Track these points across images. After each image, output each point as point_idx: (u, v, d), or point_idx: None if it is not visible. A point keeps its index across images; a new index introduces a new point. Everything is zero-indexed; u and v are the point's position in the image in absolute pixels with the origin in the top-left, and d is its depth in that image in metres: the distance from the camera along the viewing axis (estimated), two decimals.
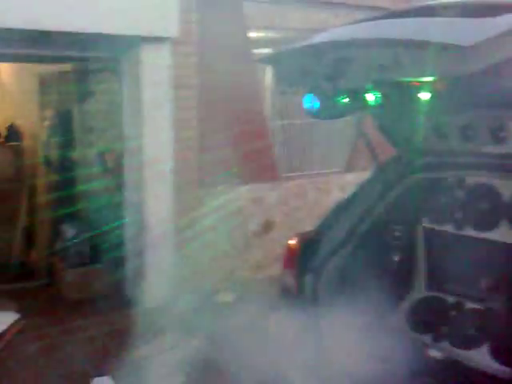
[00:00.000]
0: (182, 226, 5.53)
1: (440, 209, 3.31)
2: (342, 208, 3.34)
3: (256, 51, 6.25)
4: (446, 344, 3.08)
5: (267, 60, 3.10)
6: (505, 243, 3.01)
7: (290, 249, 3.31)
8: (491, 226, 3.07)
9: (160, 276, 5.44)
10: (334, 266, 3.13)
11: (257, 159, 5.95)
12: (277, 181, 6.31)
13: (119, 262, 5.54)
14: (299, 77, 2.72)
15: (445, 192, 3.28)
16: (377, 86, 2.44)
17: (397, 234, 3.36)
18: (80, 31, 5.07)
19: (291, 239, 3.35)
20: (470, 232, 3.18)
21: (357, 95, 2.55)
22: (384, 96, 2.47)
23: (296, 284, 3.15)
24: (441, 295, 3.35)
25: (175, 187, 5.67)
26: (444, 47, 1.98)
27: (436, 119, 3.00)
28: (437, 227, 3.37)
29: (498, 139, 2.81)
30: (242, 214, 6.02)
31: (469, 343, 3.03)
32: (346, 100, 2.61)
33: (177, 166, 5.69)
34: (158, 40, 5.62)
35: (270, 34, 6.57)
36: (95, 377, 3.55)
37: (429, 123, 3.05)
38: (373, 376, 2.77)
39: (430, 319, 3.27)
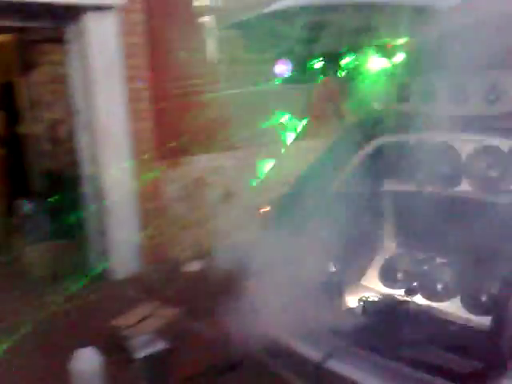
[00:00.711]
0: (143, 198, 5.58)
1: (404, 170, 3.53)
2: (311, 173, 3.50)
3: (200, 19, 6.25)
4: (418, 297, 3.34)
5: (236, 26, 3.02)
6: (467, 198, 3.28)
7: (264, 215, 3.47)
8: (453, 183, 3.32)
9: (125, 248, 5.49)
10: (308, 231, 3.31)
11: (212, 129, 6.01)
12: (235, 150, 6.39)
13: (82, 237, 5.55)
14: (271, 42, 2.78)
15: (407, 153, 3.50)
16: (352, 49, 2.54)
17: (365, 196, 3.56)
18: (21, 0, 4.94)
19: (263, 206, 3.49)
20: (434, 190, 3.42)
21: (331, 59, 2.64)
22: (357, 59, 2.58)
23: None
24: (411, 252, 3.58)
25: (132, 159, 5.68)
26: (420, 10, 2.11)
27: (400, 81, 3.16)
28: (402, 188, 3.58)
29: (459, 100, 3.00)
30: (202, 183, 6.10)
31: (441, 296, 3.28)
32: (320, 64, 2.69)
33: (133, 137, 5.69)
34: (103, 8, 5.52)
35: (213, 3, 6.54)
36: (78, 348, 3.61)
37: (393, 86, 3.21)
38: None
39: (401, 275, 3.54)
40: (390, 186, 3.60)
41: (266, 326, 3.02)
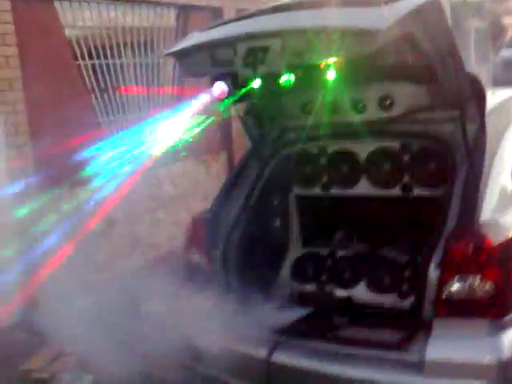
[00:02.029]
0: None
1: (308, 176, 3.93)
2: (231, 185, 3.76)
3: None
4: (330, 287, 3.72)
5: (177, 54, 3.23)
6: (364, 196, 3.76)
7: (194, 228, 3.64)
8: (352, 183, 3.79)
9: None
10: (234, 239, 3.54)
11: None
12: None
13: None
14: (210, 67, 2.99)
15: (311, 161, 3.90)
16: (291, 69, 2.83)
17: (275, 202, 3.89)
18: None
19: (191, 220, 3.70)
20: (335, 191, 3.86)
21: (271, 79, 2.93)
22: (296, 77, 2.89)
23: (207, 259, 3.49)
24: (315, 250, 3.95)
25: None
26: (359, 31, 2.45)
27: (305, 96, 3.54)
28: (306, 192, 3.99)
29: (358, 110, 3.44)
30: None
31: (348, 283, 3.70)
32: (258, 84, 2.97)
33: None
34: None
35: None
36: None
37: (297, 101, 3.59)
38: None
39: (310, 271, 3.88)
40: (297, 191, 3.98)
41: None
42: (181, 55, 3.17)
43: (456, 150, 3.18)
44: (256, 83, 2.94)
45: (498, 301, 2.68)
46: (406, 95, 3.31)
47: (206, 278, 3.41)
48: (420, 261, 3.13)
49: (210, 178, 7.68)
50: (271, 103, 3.63)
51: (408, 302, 3.29)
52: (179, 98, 6.85)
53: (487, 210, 2.88)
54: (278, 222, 3.89)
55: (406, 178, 3.62)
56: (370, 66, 2.88)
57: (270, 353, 3.03)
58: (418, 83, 3.17)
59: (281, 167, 3.83)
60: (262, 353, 3.05)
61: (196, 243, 3.57)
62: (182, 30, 7.25)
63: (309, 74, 2.82)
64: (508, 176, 3.17)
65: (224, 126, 7.84)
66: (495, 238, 2.73)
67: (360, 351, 2.91)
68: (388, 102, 3.37)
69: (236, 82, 2.97)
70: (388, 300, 3.48)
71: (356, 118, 3.45)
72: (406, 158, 3.60)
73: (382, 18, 2.42)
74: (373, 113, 3.43)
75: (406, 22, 2.50)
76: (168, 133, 3.24)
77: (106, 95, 6.44)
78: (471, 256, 2.72)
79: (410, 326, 2.91)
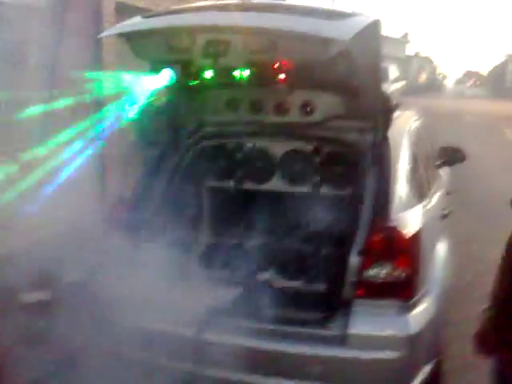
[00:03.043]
0: None
1: (223, 169, 4.15)
2: (149, 174, 3.86)
3: None
4: (240, 273, 3.96)
5: (129, 35, 3.21)
6: (276, 191, 4.08)
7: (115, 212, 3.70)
8: (266, 179, 4.09)
9: None
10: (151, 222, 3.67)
11: None
12: None
13: None
14: (164, 53, 3.06)
15: (227, 155, 4.13)
16: (249, 65, 3.06)
17: (188, 193, 4.04)
18: None
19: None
20: (248, 186, 4.13)
21: (225, 72, 3.10)
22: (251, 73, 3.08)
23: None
24: (223, 239, 4.18)
25: None
26: (324, 40, 2.71)
27: (233, 93, 3.74)
28: (218, 185, 4.20)
29: (279, 112, 3.74)
30: None
31: (259, 270, 3.94)
32: (210, 75, 3.12)
33: None
34: None
35: None
36: None
37: (224, 96, 3.78)
38: None
39: (219, 261, 4.08)
40: (209, 183, 4.18)
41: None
42: (133, 37, 3.21)
43: (364, 155, 3.65)
44: (208, 74, 3.12)
45: (407, 284, 3.17)
46: (326, 103, 3.72)
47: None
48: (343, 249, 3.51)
49: None
50: (197, 96, 3.81)
51: (323, 286, 3.68)
52: None
53: (397, 207, 3.38)
54: (189, 212, 4.04)
55: (316, 178, 4.03)
56: (307, 72, 3.24)
57: (200, 332, 3.21)
58: (339, 94, 3.60)
59: (197, 160, 4.02)
60: (192, 332, 3.22)
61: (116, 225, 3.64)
62: None
63: (259, 72, 3.07)
64: (408, 178, 3.70)
65: None
66: (405, 231, 3.22)
67: (288, 328, 3.23)
68: (309, 108, 3.76)
69: (186, 72, 3.12)
70: (297, 285, 3.85)
71: (277, 119, 3.78)
72: (317, 159, 4.02)
73: (345, 30, 2.77)
74: (294, 116, 3.79)
75: (358, 37, 2.87)
76: None
77: None
78: (386, 246, 3.18)
79: (329, 307, 3.29)
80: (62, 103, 5.87)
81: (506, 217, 3.19)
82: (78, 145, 4.91)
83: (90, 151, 4.82)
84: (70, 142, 5.07)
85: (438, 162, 5.28)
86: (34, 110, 6.06)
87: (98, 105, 5.44)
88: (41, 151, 5.55)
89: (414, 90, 38.01)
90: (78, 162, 4.86)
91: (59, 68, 6.59)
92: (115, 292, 3.38)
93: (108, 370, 3.30)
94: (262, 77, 3.21)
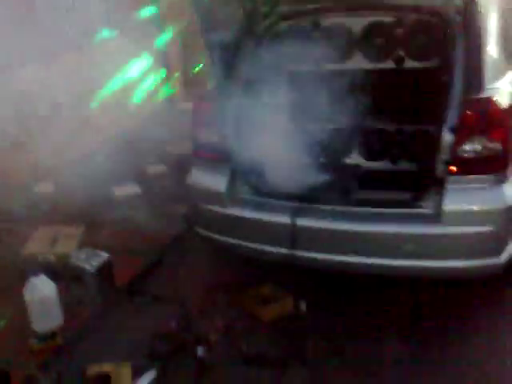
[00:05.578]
0: None
1: (302, 50, 3.99)
2: (227, 66, 3.74)
3: None
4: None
5: None
6: (358, 68, 3.91)
7: (200, 111, 3.71)
8: (346, 57, 3.94)
9: None
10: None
11: None
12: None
13: None
14: None
15: (304, 35, 3.95)
16: None
17: (270, 78, 3.95)
18: None
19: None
20: (330, 66, 3.99)
21: None
22: None
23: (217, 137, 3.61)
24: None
25: None
26: None
27: None
28: (299, 68, 4.06)
29: None
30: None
31: (342, 153, 4.01)
32: None
33: None
34: None
35: None
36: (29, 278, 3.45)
37: None
38: None
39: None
40: (290, 67, 4.05)
41: None
42: None
43: (452, 22, 3.41)
44: None
45: (503, 157, 3.08)
46: None
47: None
48: (434, 126, 3.41)
49: None
50: None
51: (416, 166, 3.65)
52: None
53: (489, 76, 3.21)
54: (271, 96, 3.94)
55: (400, 52, 3.84)
56: None
57: (294, 218, 3.32)
58: None
59: (275, 42, 3.84)
60: (286, 219, 3.33)
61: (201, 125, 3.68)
62: None
63: None
64: (499, 43, 3.47)
65: None
66: (500, 102, 3.08)
67: (379, 210, 3.28)
68: None
69: None
70: (382, 166, 3.85)
71: None
72: (400, 31, 3.80)
73: None
74: None
75: None
76: None
77: None
78: (481, 120, 3.06)
79: (421, 185, 3.28)
80: None
81: None
82: None
83: None
84: None
85: None
86: None
87: None
88: None
89: None
90: None
91: None
92: None
93: None
94: None
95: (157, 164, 6.30)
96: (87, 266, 3.66)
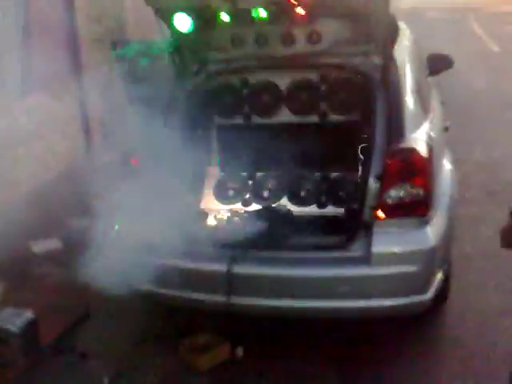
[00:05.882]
0: None
1: (229, 105, 4.14)
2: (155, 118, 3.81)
3: None
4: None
5: None
6: (283, 123, 4.12)
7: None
8: (273, 112, 4.11)
9: None
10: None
11: None
12: None
13: None
14: None
15: (232, 91, 4.11)
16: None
17: (199, 131, 4.07)
18: None
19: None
20: (256, 120, 4.15)
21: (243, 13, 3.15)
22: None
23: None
24: (234, 172, 4.25)
25: None
26: None
27: (238, 30, 3.69)
28: (226, 122, 4.21)
29: (286, 43, 3.71)
30: None
31: (270, 198, 4.12)
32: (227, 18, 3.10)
33: None
34: None
35: None
36: None
37: (228, 34, 3.73)
38: None
39: (233, 189, 4.21)
40: (218, 121, 4.19)
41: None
42: None
43: (371, 79, 3.67)
44: (225, 16, 3.10)
45: (425, 201, 3.31)
46: (333, 30, 3.68)
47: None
48: (360, 174, 3.59)
49: None
50: (203, 37, 3.75)
51: (344, 212, 3.82)
52: None
53: (409, 127, 3.47)
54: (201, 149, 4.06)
55: (324, 106, 4.05)
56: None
57: (230, 266, 3.34)
58: (346, 19, 3.57)
59: (204, 98, 4.00)
60: (222, 267, 3.34)
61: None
62: None
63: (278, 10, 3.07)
64: (415, 96, 3.75)
65: None
66: (421, 151, 3.32)
67: (312, 255, 3.40)
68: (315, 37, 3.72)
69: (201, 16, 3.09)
70: (310, 210, 4.00)
71: (283, 51, 3.76)
72: (324, 87, 4.02)
73: None
74: (300, 46, 3.77)
75: None
76: None
77: None
78: (404, 168, 3.29)
79: (351, 230, 3.43)
80: None
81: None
82: None
83: None
84: None
85: (428, 72, 5.30)
86: None
87: None
88: None
89: None
90: None
91: None
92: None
93: None
94: (281, 13, 3.20)
95: (79, 216, 6.14)
96: (11, 327, 3.47)
